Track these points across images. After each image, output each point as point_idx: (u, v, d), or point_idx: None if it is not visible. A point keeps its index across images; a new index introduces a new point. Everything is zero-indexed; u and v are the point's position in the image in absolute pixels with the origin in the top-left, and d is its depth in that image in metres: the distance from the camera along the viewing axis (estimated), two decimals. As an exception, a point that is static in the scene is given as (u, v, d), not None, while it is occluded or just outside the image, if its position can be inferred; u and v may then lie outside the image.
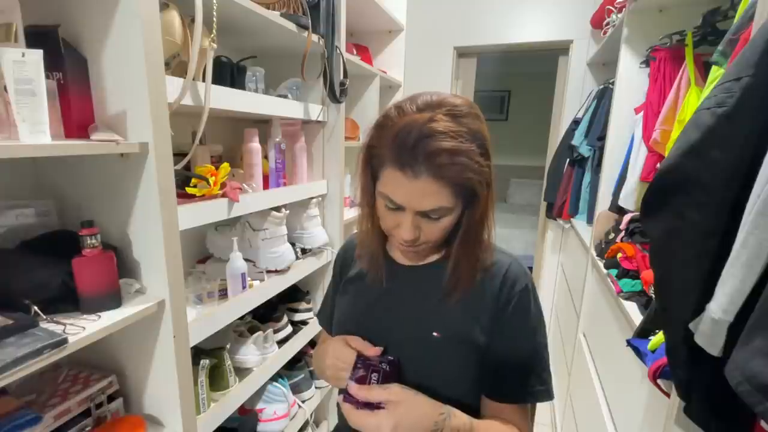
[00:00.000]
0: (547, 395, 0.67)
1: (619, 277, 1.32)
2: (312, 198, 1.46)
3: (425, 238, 0.64)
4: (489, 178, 0.61)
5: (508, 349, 0.66)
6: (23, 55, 0.63)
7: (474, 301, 0.67)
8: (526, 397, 0.68)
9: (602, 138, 1.91)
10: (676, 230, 0.60)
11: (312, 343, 1.56)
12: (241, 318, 1.27)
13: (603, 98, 2.08)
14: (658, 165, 1.09)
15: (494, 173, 0.62)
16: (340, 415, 0.82)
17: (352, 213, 1.77)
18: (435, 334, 0.66)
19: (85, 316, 0.74)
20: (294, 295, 1.55)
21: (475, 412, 0.69)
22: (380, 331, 0.71)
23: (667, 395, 0.81)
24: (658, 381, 0.84)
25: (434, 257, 0.72)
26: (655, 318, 0.95)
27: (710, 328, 0.52)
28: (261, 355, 1.26)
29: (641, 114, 1.49)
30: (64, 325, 0.70)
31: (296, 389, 1.50)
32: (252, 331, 1.29)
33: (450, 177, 0.57)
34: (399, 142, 0.57)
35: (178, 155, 0.88)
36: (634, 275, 1.27)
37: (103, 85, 0.77)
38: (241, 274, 1.13)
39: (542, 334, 0.68)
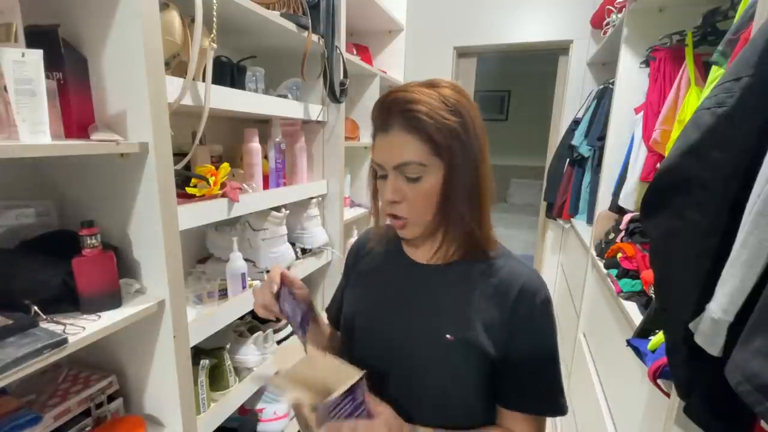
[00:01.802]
0: (561, 410, 0.67)
1: (619, 277, 1.32)
2: (312, 198, 1.47)
3: (407, 207, 0.64)
4: (461, 136, 0.61)
5: (525, 361, 0.65)
6: (23, 55, 0.63)
7: (490, 309, 0.65)
8: (539, 409, 0.67)
9: (602, 138, 1.91)
10: (676, 230, 0.60)
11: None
12: (241, 318, 1.27)
13: (603, 98, 2.08)
14: (658, 165, 1.09)
15: (476, 139, 0.63)
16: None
17: (352, 213, 1.77)
18: (448, 336, 0.65)
19: (85, 316, 0.74)
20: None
21: (480, 415, 0.68)
22: (390, 328, 0.70)
23: (667, 395, 0.81)
24: (658, 381, 0.84)
25: (452, 257, 0.70)
26: (655, 318, 0.95)
27: (710, 328, 0.52)
28: (261, 355, 1.26)
29: (641, 114, 1.49)
30: (64, 325, 0.70)
31: (296, 389, 1.50)
32: (252, 331, 1.29)
33: (413, 127, 0.60)
34: (375, 109, 0.65)
35: (178, 155, 0.88)
36: (634, 275, 1.27)
37: (103, 85, 0.77)
38: (241, 274, 1.13)
39: (556, 348, 0.67)
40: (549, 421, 2.30)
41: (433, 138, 0.60)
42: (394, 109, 0.62)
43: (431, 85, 0.64)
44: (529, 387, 0.66)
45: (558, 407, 0.67)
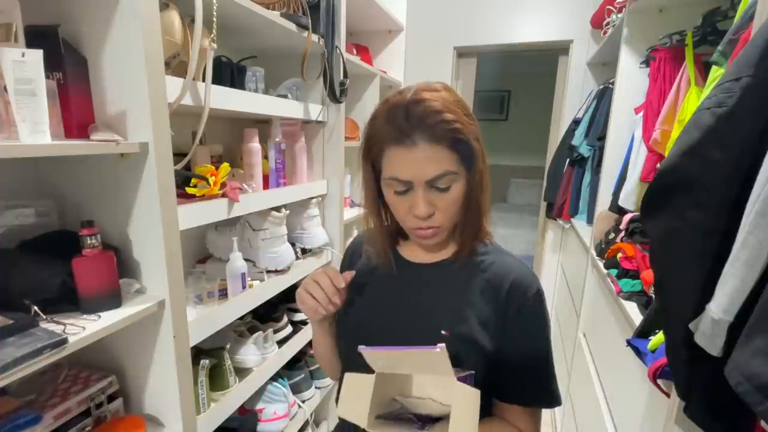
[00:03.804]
0: (556, 401, 0.68)
1: (619, 277, 1.32)
2: (312, 198, 1.46)
3: (440, 216, 0.65)
4: (479, 136, 0.64)
5: (518, 353, 0.66)
6: (23, 55, 0.63)
7: (483, 303, 0.67)
8: (535, 401, 0.69)
9: (602, 138, 1.91)
10: (676, 230, 0.60)
11: (312, 343, 1.56)
12: (241, 318, 1.27)
13: (603, 98, 2.08)
14: (658, 165, 1.09)
15: (481, 136, 0.65)
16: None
17: (352, 213, 1.77)
18: (443, 332, 0.66)
19: (85, 316, 0.74)
20: (294, 295, 1.55)
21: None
22: (386, 324, 0.71)
23: (667, 395, 0.81)
24: (658, 381, 0.84)
25: (445, 255, 0.72)
26: (655, 318, 0.95)
27: (710, 328, 0.52)
28: (261, 355, 1.26)
29: (641, 114, 1.49)
30: (64, 325, 0.70)
31: (296, 389, 1.50)
32: (252, 331, 1.29)
33: (445, 138, 0.60)
34: (392, 119, 0.61)
35: (178, 155, 0.88)
36: (634, 275, 1.27)
37: (103, 85, 0.77)
38: (241, 274, 1.13)
39: (549, 340, 0.69)
40: (549, 420, 2.30)
41: (468, 144, 0.61)
42: (424, 123, 0.59)
43: (434, 89, 0.63)
44: (523, 379, 0.67)
45: (553, 399, 0.68)
